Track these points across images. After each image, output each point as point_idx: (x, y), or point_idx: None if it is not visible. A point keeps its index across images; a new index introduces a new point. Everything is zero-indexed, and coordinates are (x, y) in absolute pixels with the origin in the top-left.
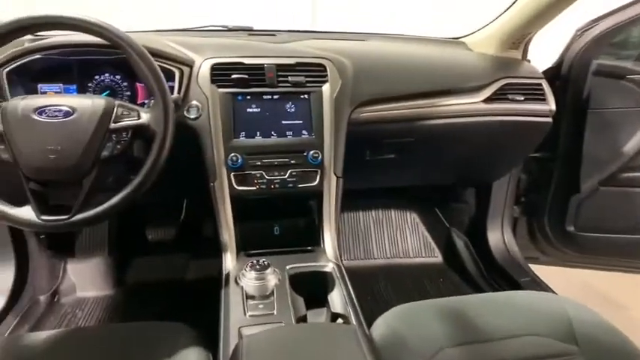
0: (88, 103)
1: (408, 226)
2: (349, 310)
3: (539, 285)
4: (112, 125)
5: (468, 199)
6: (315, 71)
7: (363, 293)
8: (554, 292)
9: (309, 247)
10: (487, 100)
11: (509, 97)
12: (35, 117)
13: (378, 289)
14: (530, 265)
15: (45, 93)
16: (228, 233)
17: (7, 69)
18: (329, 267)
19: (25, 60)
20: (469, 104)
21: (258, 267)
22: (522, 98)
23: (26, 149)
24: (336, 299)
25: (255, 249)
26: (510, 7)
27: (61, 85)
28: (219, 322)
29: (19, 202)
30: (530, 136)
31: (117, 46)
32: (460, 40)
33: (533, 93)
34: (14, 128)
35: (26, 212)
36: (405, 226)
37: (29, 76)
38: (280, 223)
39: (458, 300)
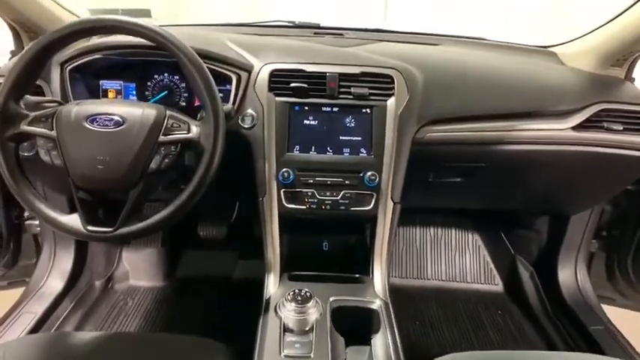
0: (138, 113)
1: (468, 248)
2: None
3: (612, 336)
4: (161, 138)
5: (539, 227)
6: (381, 82)
7: (411, 317)
8: (630, 344)
9: (357, 275)
10: (578, 128)
11: (605, 125)
12: (87, 125)
13: (428, 313)
14: (604, 306)
15: (106, 90)
16: (273, 253)
17: (70, 67)
18: (376, 304)
19: (87, 59)
20: (556, 131)
21: (299, 299)
22: (621, 128)
23: (76, 157)
24: (380, 345)
25: (302, 264)
26: (617, 17)
27: (121, 82)
28: (252, 353)
29: (69, 209)
30: (625, 172)
31: (174, 55)
32: (551, 49)
33: (636, 122)
34: (66, 134)
35: (74, 221)
36: (465, 247)
37: (91, 73)
38: (330, 238)
39: (521, 355)
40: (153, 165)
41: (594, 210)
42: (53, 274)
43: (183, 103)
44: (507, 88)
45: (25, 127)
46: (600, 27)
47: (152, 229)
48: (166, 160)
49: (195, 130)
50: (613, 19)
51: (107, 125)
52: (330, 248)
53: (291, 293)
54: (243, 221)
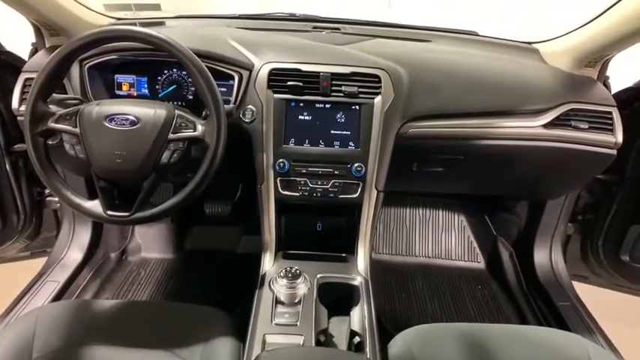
0: (151, 114)
1: (454, 228)
2: (367, 332)
3: (577, 312)
4: (171, 136)
5: (519, 211)
6: (370, 82)
7: (398, 290)
8: (593, 319)
9: (344, 255)
10: (548, 125)
11: (573, 123)
12: (106, 124)
13: (414, 287)
14: (576, 283)
15: (120, 83)
16: (269, 234)
17: (89, 64)
18: (357, 281)
19: (105, 58)
20: (528, 128)
21: (290, 275)
22: (587, 126)
23: (97, 151)
24: (357, 316)
25: (297, 242)
26: (595, 19)
27: (134, 76)
28: (249, 320)
29: (87, 192)
30: (590, 166)
31: (180, 61)
32: (534, 45)
33: (600, 122)
34: (88, 132)
35: (96, 206)
36: (451, 227)
37: (107, 69)
38: (324, 219)
39: (482, 328)
40: (163, 159)
41: (568, 196)
42: (73, 247)
43: (191, 96)
44: (489, 88)
45: (52, 124)
46: (579, 28)
47: (163, 215)
48: (175, 155)
49: (200, 128)
50: (591, 21)
51: (124, 124)
52: (322, 229)
53: (284, 270)
54: (246, 201)
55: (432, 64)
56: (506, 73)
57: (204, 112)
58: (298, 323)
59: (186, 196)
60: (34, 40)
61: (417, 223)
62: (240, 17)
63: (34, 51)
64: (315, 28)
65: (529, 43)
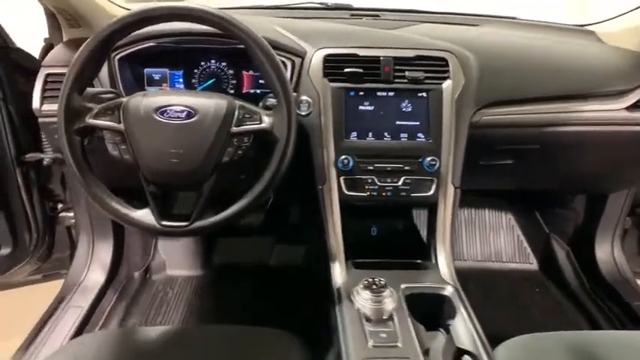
0: (209, 104)
1: (502, 227)
2: (479, 348)
3: None
4: (234, 129)
5: (576, 205)
6: (436, 66)
7: None
8: None
9: (419, 261)
10: (631, 108)
11: None
12: (157, 117)
13: (468, 294)
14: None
15: (151, 78)
16: (336, 241)
17: (119, 55)
18: (447, 290)
19: (137, 47)
20: (609, 111)
21: (374, 287)
22: None
23: (147, 151)
24: (461, 331)
25: (355, 252)
26: None
27: (166, 70)
28: (334, 342)
29: (137, 204)
30: None
31: (243, 42)
32: (587, 28)
33: None
34: (136, 128)
35: (146, 216)
36: (499, 227)
37: (137, 61)
38: (378, 223)
39: (589, 336)
40: (226, 157)
41: (631, 188)
42: (93, 267)
43: (232, 91)
44: (563, 70)
45: (91, 120)
46: None
47: (227, 222)
48: (239, 152)
49: (267, 120)
50: None
51: (179, 117)
52: (379, 233)
53: (365, 282)
54: (278, 208)
55: (497, 47)
56: (578, 54)
57: (260, 103)
58: (399, 344)
59: (254, 199)
60: (38, 36)
61: (462, 224)
62: (268, 8)
63: (48, 47)
64: (352, 16)
65: (580, 25)
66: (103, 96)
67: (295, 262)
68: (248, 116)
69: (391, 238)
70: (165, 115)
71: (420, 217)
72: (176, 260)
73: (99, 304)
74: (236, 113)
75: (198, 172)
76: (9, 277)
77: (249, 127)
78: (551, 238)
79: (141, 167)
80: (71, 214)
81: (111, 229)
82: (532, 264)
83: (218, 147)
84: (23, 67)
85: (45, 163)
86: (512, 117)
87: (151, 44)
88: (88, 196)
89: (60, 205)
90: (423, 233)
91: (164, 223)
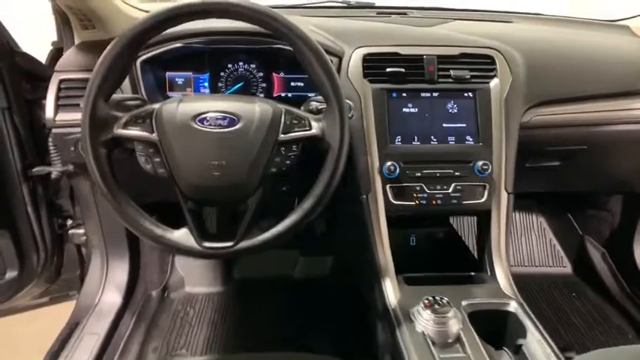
0: (253, 110)
1: (533, 230)
2: None
3: None
4: (281, 137)
5: (611, 206)
6: (482, 64)
7: None
8: None
9: (472, 273)
10: None
11: None
12: (196, 125)
13: None
14: None
15: (174, 83)
16: (384, 256)
17: (142, 58)
18: (512, 306)
19: (163, 49)
20: None
21: (437, 307)
22: None
23: (185, 163)
24: (538, 351)
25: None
26: None
27: (190, 73)
28: None
29: (173, 224)
30: None
31: (290, 41)
32: (620, 23)
33: None
34: (172, 138)
35: (185, 237)
36: (530, 230)
37: (158, 64)
38: (416, 232)
39: None
40: (273, 168)
41: None
42: (108, 288)
43: (261, 95)
44: (602, 66)
45: (120, 130)
46: None
47: (277, 240)
48: (287, 162)
49: (316, 125)
50: None
51: (220, 125)
52: (418, 243)
53: (426, 301)
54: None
55: (539, 44)
56: (619, 50)
57: (302, 107)
58: None
59: (305, 213)
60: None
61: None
62: (288, 7)
63: (57, 51)
64: (379, 14)
65: (613, 20)
66: (129, 103)
67: (321, 275)
68: (296, 122)
69: (432, 249)
70: (204, 122)
71: (461, 225)
72: (195, 276)
73: (116, 328)
74: (282, 119)
75: (243, 186)
76: (14, 301)
77: (298, 134)
78: (585, 240)
79: (177, 182)
80: (81, 231)
81: (126, 246)
82: (565, 267)
83: (265, 157)
84: (29, 72)
85: (53, 176)
86: (562, 116)
87: (177, 45)
88: (118, 217)
89: (69, 222)
90: (469, 242)
91: (206, 244)
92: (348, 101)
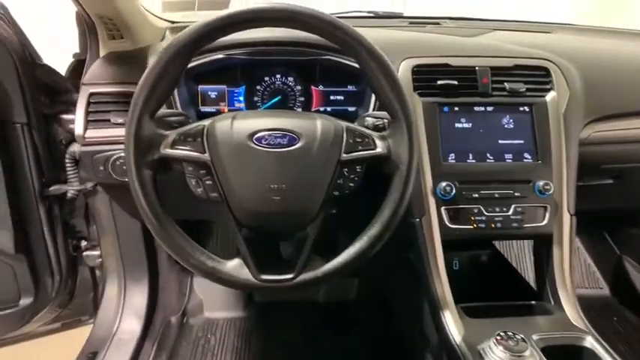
0: (314, 127)
1: None
2: None
3: None
4: (344, 156)
5: None
6: (537, 76)
7: None
8: None
9: (533, 302)
10: None
11: None
12: (253, 145)
13: None
14: None
15: (206, 97)
16: (442, 285)
17: None
18: (588, 341)
19: (205, 60)
20: None
21: (511, 344)
22: None
23: (241, 187)
24: None
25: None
26: None
27: (224, 87)
28: None
29: (224, 254)
30: None
31: (351, 50)
32: None
33: None
34: (226, 159)
35: (240, 269)
36: None
37: (190, 77)
38: (458, 255)
39: None
40: (336, 190)
41: None
42: (126, 315)
43: (299, 109)
44: None
45: (167, 150)
46: None
47: (341, 271)
48: (351, 184)
49: (381, 144)
50: None
51: (280, 143)
52: (461, 267)
53: (498, 337)
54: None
55: (591, 55)
56: None
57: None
58: None
59: (372, 240)
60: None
61: (525, 248)
62: None
63: (78, 63)
64: (412, 24)
65: None
66: (170, 119)
67: (347, 298)
68: (359, 140)
69: (477, 272)
70: (262, 141)
71: (508, 248)
72: (215, 300)
73: (137, 358)
74: (344, 137)
75: (304, 212)
76: (25, 328)
77: (362, 153)
78: (624, 260)
79: (231, 208)
80: (97, 253)
81: (145, 269)
82: (602, 289)
83: (327, 179)
84: (48, 85)
85: (69, 195)
86: (621, 132)
87: (219, 57)
88: (164, 245)
89: (83, 243)
90: (521, 268)
91: (264, 277)
92: None
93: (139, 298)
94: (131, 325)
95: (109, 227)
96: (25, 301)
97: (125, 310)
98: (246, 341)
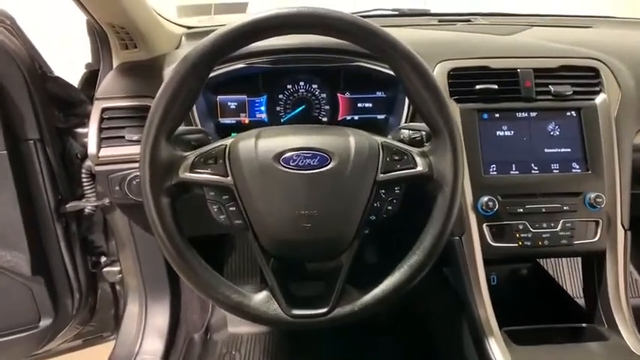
0: (347, 144)
1: None
2: None
3: None
4: (380, 176)
5: None
6: (584, 78)
7: None
8: None
9: (584, 325)
10: None
11: None
12: (279, 167)
13: None
14: None
15: (225, 107)
16: (484, 309)
17: None
18: None
19: (225, 69)
20: None
21: None
22: None
23: (268, 214)
24: None
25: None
26: None
27: (244, 97)
28: None
29: (250, 286)
30: None
31: (387, 57)
32: None
33: None
34: (251, 182)
35: (268, 303)
36: None
37: (208, 88)
38: (497, 269)
39: None
40: (372, 215)
41: None
42: (148, 333)
43: (325, 119)
44: None
45: (186, 174)
46: None
47: (380, 304)
48: (389, 207)
49: (421, 162)
50: None
51: (309, 164)
52: (499, 283)
53: None
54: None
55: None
56: None
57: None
58: None
59: (414, 270)
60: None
61: (563, 259)
62: None
63: (91, 74)
64: (441, 22)
65: None
66: (189, 137)
67: (378, 316)
68: (397, 158)
69: (517, 289)
70: (290, 163)
71: (554, 265)
72: None
73: None
74: (381, 154)
75: (338, 239)
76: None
77: (401, 173)
78: None
79: (258, 236)
80: (117, 269)
81: (167, 286)
82: None
83: (363, 202)
84: (61, 98)
85: (87, 211)
86: None
87: (240, 66)
88: (186, 280)
89: (103, 259)
90: (561, 280)
91: (295, 312)
92: None
93: (160, 316)
94: (153, 345)
95: (129, 243)
96: (45, 322)
97: (147, 328)
98: (272, 357)
